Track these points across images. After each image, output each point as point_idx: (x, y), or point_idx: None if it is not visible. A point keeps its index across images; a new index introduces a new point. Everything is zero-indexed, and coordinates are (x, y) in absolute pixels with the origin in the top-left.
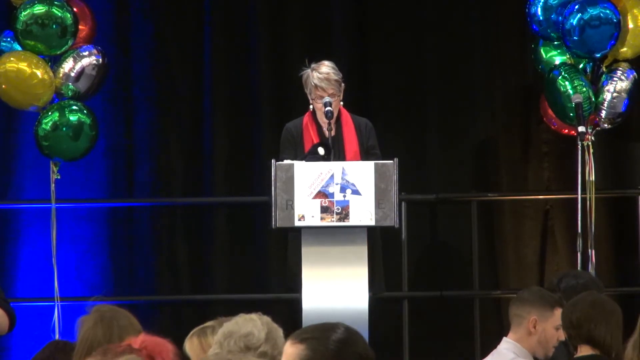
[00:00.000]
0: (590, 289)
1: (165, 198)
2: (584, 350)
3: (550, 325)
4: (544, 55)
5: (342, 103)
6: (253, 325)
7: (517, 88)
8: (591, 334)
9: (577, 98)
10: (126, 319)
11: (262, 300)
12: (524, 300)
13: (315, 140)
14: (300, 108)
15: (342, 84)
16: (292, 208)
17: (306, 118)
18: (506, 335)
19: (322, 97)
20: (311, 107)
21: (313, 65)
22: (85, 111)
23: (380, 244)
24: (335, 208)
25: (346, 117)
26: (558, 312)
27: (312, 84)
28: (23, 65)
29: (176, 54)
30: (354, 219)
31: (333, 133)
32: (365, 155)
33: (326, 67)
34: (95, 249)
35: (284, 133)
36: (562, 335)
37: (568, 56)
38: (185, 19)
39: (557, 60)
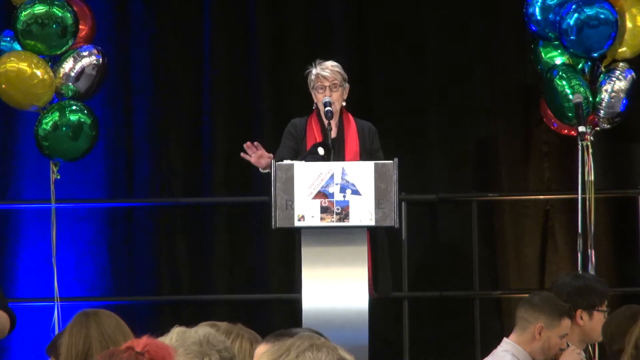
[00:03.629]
0: (585, 293)
1: (165, 198)
2: None
3: (556, 334)
4: (543, 56)
5: (344, 103)
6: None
7: (517, 88)
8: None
9: (577, 98)
10: (112, 319)
11: (262, 300)
12: (534, 305)
13: (319, 139)
14: (301, 108)
15: (347, 84)
16: (292, 208)
17: (311, 117)
18: (507, 336)
19: (323, 87)
20: (315, 105)
21: (317, 62)
22: (85, 111)
23: (386, 245)
24: (335, 208)
25: (349, 118)
26: (565, 322)
27: (314, 73)
28: (23, 65)
29: (176, 53)
30: (354, 219)
31: (334, 134)
32: (367, 157)
33: (330, 62)
34: (95, 249)
35: (288, 125)
36: (565, 344)
37: (568, 56)
38: (185, 19)
39: (558, 60)
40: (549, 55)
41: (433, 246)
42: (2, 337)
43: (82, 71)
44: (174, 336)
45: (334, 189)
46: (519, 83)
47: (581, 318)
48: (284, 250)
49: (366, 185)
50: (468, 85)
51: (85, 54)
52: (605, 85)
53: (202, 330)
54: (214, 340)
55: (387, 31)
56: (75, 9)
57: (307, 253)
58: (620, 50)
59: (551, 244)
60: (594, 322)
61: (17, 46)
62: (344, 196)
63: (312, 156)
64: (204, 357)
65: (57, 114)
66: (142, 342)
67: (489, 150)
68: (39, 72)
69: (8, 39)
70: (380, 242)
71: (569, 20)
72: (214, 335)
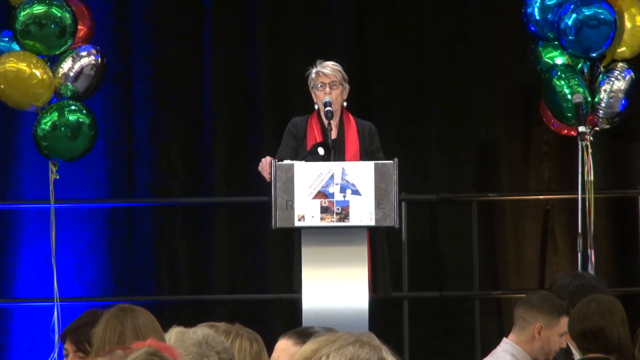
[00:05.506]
0: (586, 292)
1: (165, 198)
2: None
3: (555, 333)
4: (543, 56)
5: (345, 104)
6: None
7: (517, 88)
8: (607, 344)
9: (577, 98)
10: (147, 317)
11: (262, 300)
12: (532, 305)
13: (319, 139)
14: (301, 108)
15: (347, 85)
16: (292, 208)
17: (311, 117)
18: (507, 336)
19: (323, 85)
20: (316, 106)
21: (318, 61)
22: (84, 111)
23: (385, 246)
24: (335, 208)
25: (350, 118)
26: (564, 320)
27: (315, 72)
28: (22, 66)
29: (176, 54)
30: (354, 219)
31: (334, 134)
32: (367, 157)
33: (331, 62)
34: (95, 249)
35: (289, 124)
36: (564, 343)
37: (568, 56)
38: (185, 19)
39: (559, 60)
40: (548, 56)
41: (433, 246)
42: None
43: (80, 71)
44: (173, 337)
45: (334, 189)
46: (519, 83)
47: None
48: (284, 250)
49: (366, 185)
50: (468, 85)
51: (84, 54)
52: (604, 85)
53: (201, 331)
54: (212, 341)
55: (387, 31)
56: (73, 9)
57: (307, 253)
58: (619, 50)
59: (551, 244)
60: None
61: (15, 46)
62: (344, 196)
63: (312, 156)
64: (203, 359)
65: (56, 113)
66: (146, 344)
67: (489, 150)
68: (38, 72)
69: (6, 39)
70: (379, 244)
71: (567, 20)
72: (213, 337)
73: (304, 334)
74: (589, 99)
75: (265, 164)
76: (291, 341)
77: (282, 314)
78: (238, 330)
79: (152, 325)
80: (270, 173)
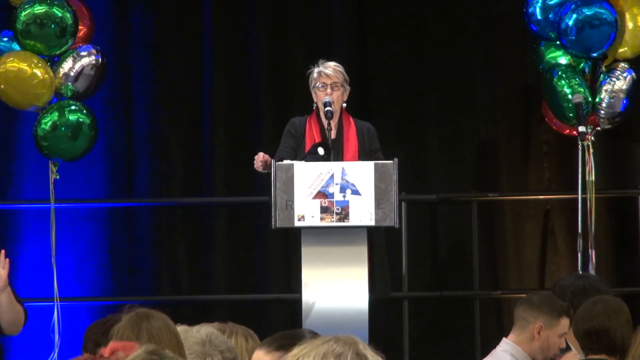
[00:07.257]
0: (588, 293)
1: (165, 198)
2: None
3: (555, 333)
4: (545, 55)
5: (345, 105)
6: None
7: (518, 88)
8: (611, 344)
9: (577, 98)
10: (160, 321)
11: (262, 300)
12: (533, 305)
13: (318, 139)
14: (301, 108)
15: (348, 86)
16: (292, 208)
17: (310, 118)
18: (506, 336)
19: (324, 86)
20: (315, 105)
21: (320, 61)
22: (84, 111)
23: (384, 247)
24: (335, 208)
25: (349, 119)
26: (564, 321)
27: (316, 72)
28: (23, 66)
29: (176, 54)
30: (354, 219)
31: (334, 135)
32: (366, 157)
33: (333, 62)
34: (95, 249)
35: (288, 124)
36: (564, 343)
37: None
38: (185, 19)
39: (562, 60)
40: (551, 55)
41: (433, 246)
42: (17, 332)
43: (81, 71)
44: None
45: (334, 189)
46: (520, 83)
47: None
48: (284, 250)
49: (366, 185)
50: (468, 85)
51: (84, 54)
52: (605, 85)
53: (205, 330)
54: (216, 340)
55: (387, 31)
56: (74, 9)
57: (307, 253)
58: (620, 50)
59: (551, 244)
60: None
61: (15, 46)
62: (344, 196)
63: (312, 156)
64: (206, 358)
65: (56, 113)
66: (108, 347)
67: (489, 150)
68: (39, 72)
69: (6, 39)
70: (378, 245)
71: (567, 20)
72: (217, 336)
73: (274, 342)
74: (590, 99)
75: (257, 159)
76: (263, 351)
77: (282, 314)
78: (232, 328)
79: (166, 329)
80: (263, 165)
